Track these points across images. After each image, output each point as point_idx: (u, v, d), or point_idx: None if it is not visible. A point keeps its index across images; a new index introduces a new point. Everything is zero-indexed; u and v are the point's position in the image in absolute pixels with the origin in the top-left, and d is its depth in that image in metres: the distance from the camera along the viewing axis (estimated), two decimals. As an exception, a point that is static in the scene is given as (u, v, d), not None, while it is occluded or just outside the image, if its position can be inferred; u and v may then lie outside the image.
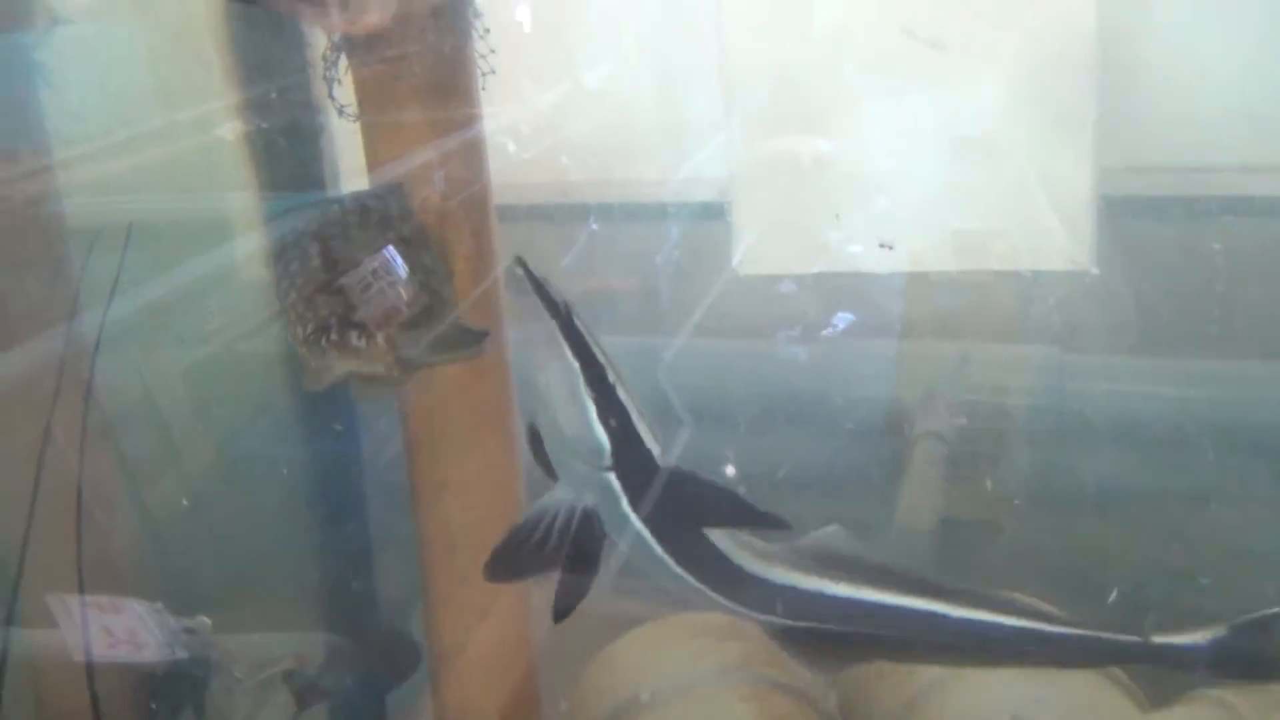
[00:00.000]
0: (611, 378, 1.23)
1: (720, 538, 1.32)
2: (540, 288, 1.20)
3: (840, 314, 1.72)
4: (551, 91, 1.35)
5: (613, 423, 1.23)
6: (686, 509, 1.29)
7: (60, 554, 1.50)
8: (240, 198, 1.82)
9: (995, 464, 1.87)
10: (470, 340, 1.43)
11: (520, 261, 1.21)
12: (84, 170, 1.64)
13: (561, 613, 1.32)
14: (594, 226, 1.67)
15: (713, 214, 1.83)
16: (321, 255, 1.41)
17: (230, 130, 1.71)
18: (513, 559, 1.31)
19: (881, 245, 1.67)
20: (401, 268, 1.55)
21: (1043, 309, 1.79)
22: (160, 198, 1.75)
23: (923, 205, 1.68)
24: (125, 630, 1.47)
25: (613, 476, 1.26)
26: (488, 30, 1.39)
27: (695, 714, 1.63)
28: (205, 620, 1.57)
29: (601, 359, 1.23)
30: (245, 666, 1.72)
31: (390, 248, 1.57)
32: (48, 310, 1.62)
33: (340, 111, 1.40)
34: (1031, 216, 1.68)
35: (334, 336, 1.35)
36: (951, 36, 1.57)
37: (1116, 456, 1.79)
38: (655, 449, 1.28)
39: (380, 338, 1.34)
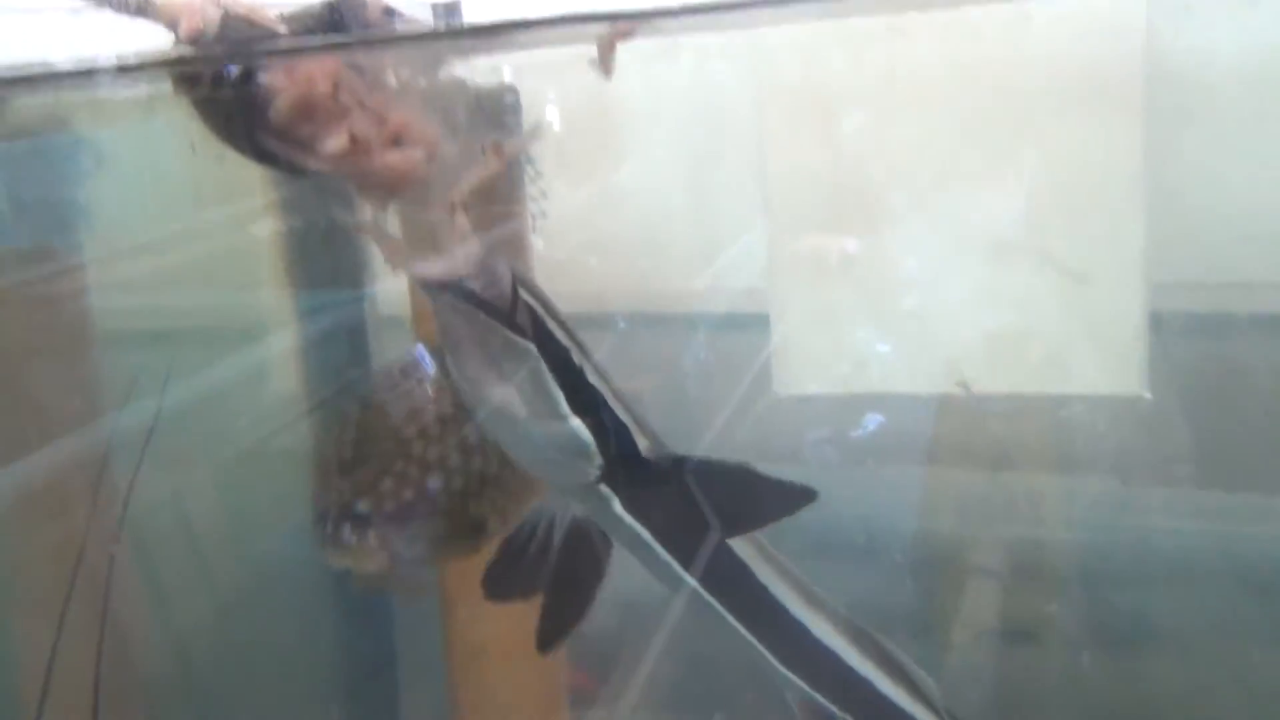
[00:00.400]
0: (578, 359, 1.06)
1: (749, 552, 1.17)
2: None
3: (871, 415, 1.66)
4: (581, 190, 1.33)
5: (589, 412, 1.05)
6: (692, 505, 1.12)
7: (82, 672, 1.45)
8: (274, 296, 1.83)
9: (1049, 602, 1.76)
10: (469, 536, 1.29)
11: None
12: (117, 268, 1.66)
13: (544, 642, 1.18)
14: (622, 325, 1.63)
15: (747, 325, 1.80)
16: (354, 432, 1.33)
17: (266, 228, 1.73)
18: (508, 575, 1.19)
19: (957, 385, 1.61)
20: (430, 366, 1.51)
21: (1093, 436, 1.70)
22: (193, 295, 1.76)
23: (955, 307, 1.63)
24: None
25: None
26: (540, 179, 1.38)
27: None
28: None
29: (563, 337, 1.05)
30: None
31: (420, 346, 1.53)
32: (73, 411, 1.62)
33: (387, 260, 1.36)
34: (1075, 332, 1.61)
35: (329, 529, 1.25)
36: (992, 145, 1.55)
37: (1176, 596, 1.67)
38: (642, 440, 1.11)
39: (371, 536, 1.23)
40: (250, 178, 1.64)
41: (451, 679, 1.56)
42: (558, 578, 1.17)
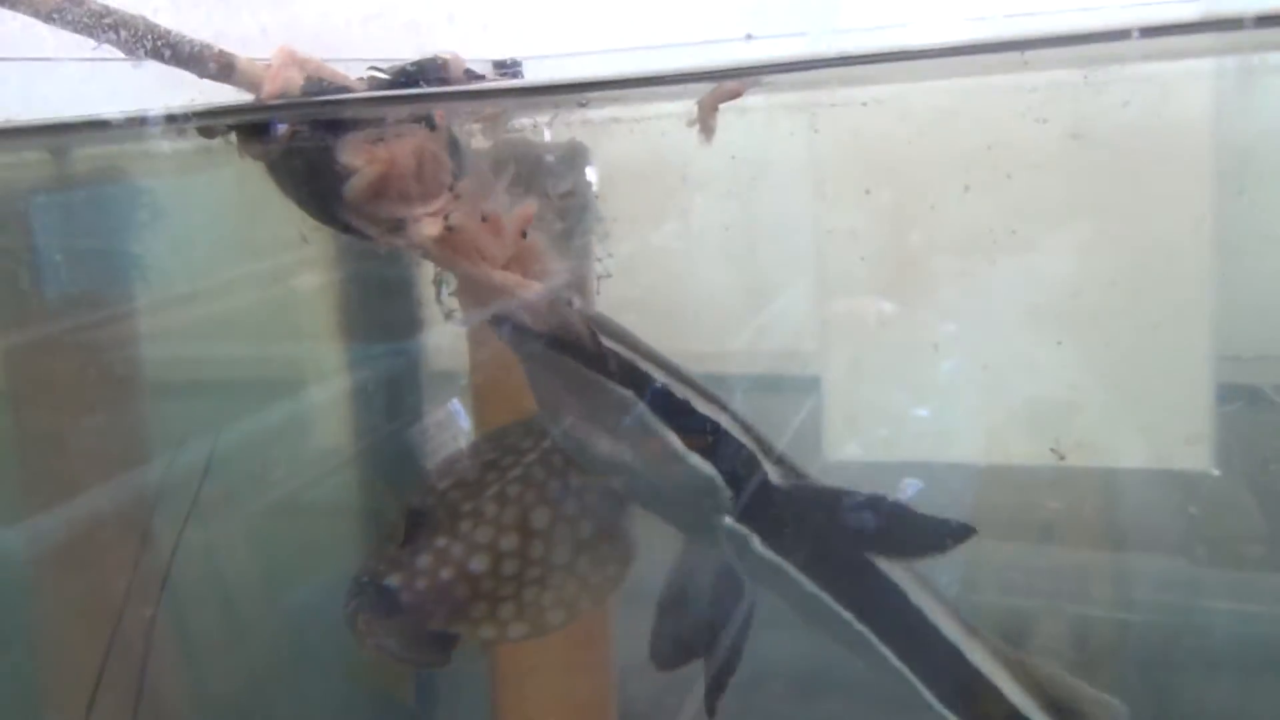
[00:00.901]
0: (682, 393, 1.00)
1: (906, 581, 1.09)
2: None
3: (909, 480, 1.62)
4: (621, 247, 1.30)
5: (706, 446, 0.99)
6: (837, 535, 1.04)
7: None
8: (322, 346, 1.81)
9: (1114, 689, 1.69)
10: (437, 649, 1.21)
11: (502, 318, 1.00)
12: (165, 317, 1.64)
13: (711, 705, 1.11)
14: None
15: (788, 387, 1.76)
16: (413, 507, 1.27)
17: (317, 279, 1.71)
18: (676, 641, 1.12)
19: (1052, 451, 1.56)
20: (465, 420, 1.48)
21: (1157, 513, 1.65)
22: (240, 345, 1.74)
23: (998, 374, 1.59)
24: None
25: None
26: (607, 234, 1.35)
27: None
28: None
29: (660, 376, 1.00)
30: None
31: (456, 401, 1.50)
32: (117, 456, 1.60)
33: (447, 316, 1.34)
34: (1142, 405, 1.57)
35: (346, 600, 1.21)
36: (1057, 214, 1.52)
37: (1247, 686, 1.60)
38: (773, 469, 1.03)
39: (360, 621, 1.18)
40: (302, 231, 1.63)
41: (496, 699, 1.51)
42: (717, 631, 1.12)
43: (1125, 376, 1.58)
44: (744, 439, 1.04)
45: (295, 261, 1.63)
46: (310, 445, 1.86)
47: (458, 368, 1.54)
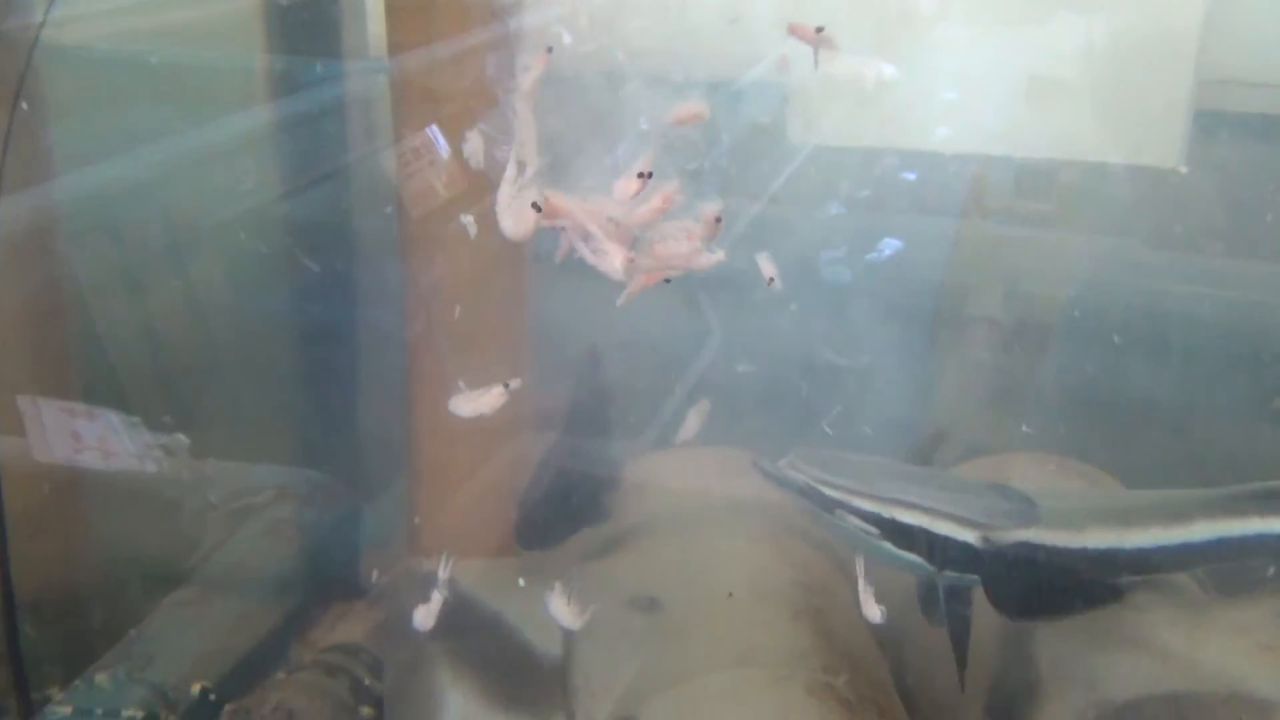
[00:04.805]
0: (873, 508, 1.30)
1: None
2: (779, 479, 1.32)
3: (887, 240, 1.65)
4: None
5: (896, 532, 1.30)
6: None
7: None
8: (292, 61, 1.69)
9: (1047, 357, 1.82)
10: None
11: (755, 464, 1.34)
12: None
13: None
14: (644, 126, 1.56)
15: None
16: None
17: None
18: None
19: None
20: (444, 148, 1.45)
21: (1123, 202, 1.69)
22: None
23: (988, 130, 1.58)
24: (95, 437, 1.42)
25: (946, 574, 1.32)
26: None
27: (700, 549, 1.60)
28: (182, 439, 1.48)
29: (856, 500, 1.31)
30: (222, 493, 1.68)
31: (434, 126, 1.46)
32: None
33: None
34: (1122, 118, 1.57)
35: None
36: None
37: (1183, 361, 1.74)
38: (969, 535, 1.30)
39: None
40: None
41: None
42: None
43: (1110, 78, 1.56)
44: (935, 528, 1.32)
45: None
46: (281, 163, 1.79)
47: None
